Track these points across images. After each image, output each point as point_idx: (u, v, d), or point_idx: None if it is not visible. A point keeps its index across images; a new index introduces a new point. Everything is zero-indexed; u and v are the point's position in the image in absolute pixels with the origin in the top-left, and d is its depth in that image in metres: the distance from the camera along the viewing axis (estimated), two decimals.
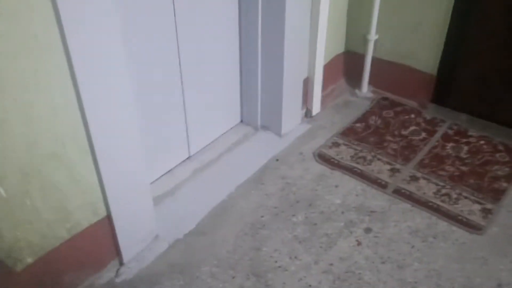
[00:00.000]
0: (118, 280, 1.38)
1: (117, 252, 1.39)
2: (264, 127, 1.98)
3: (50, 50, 0.99)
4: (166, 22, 1.48)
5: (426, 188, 1.67)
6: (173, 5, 1.46)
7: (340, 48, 2.21)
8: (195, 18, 1.57)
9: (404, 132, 1.97)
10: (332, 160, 1.82)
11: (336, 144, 1.91)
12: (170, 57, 1.55)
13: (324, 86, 2.10)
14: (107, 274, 1.38)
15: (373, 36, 2.09)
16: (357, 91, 2.25)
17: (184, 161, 1.79)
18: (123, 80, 1.17)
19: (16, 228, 1.08)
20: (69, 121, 1.09)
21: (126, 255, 1.41)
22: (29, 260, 1.15)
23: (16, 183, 1.04)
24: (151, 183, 1.66)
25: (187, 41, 1.56)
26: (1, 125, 0.97)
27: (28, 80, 0.98)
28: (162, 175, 1.71)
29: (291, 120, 1.99)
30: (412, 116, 2.07)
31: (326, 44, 1.97)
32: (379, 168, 1.77)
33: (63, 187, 1.14)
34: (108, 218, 1.31)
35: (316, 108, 2.09)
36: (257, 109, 1.94)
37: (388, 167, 1.78)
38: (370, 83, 2.24)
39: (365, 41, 2.13)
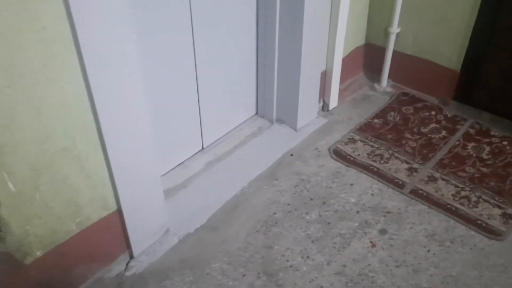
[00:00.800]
0: (127, 274, 1.37)
1: (127, 246, 1.38)
2: (280, 120, 1.94)
3: (60, 42, 0.96)
4: (180, 10, 1.44)
5: (445, 190, 1.62)
6: None
7: (360, 41, 2.15)
8: (210, 5, 1.52)
9: (423, 130, 1.91)
10: (348, 157, 1.78)
11: (352, 140, 1.86)
12: (185, 46, 1.51)
13: (342, 79, 2.04)
14: (117, 267, 1.37)
15: (395, 29, 2.02)
16: (376, 85, 2.19)
17: (197, 153, 1.76)
18: (135, 72, 1.13)
19: (26, 223, 1.06)
20: (79, 115, 1.07)
21: (136, 249, 1.40)
22: (38, 253, 1.13)
23: (26, 178, 1.02)
24: (163, 174, 1.64)
25: (202, 30, 1.52)
26: (11, 120, 0.94)
27: (37, 73, 0.95)
28: (175, 167, 1.69)
29: (307, 113, 1.94)
30: (433, 113, 2.00)
31: (346, 36, 1.91)
32: (397, 167, 1.72)
33: (73, 182, 1.13)
34: (119, 211, 1.29)
35: (333, 102, 2.04)
36: (273, 102, 1.90)
37: (406, 166, 1.72)
38: (390, 77, 2.17)
39: (387, 34, 2.06)
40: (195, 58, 1.55)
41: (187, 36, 1.49)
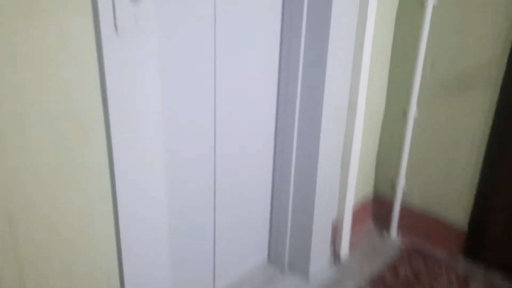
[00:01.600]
0: None
1: None
2: (291, 268, 1.96)
3: (101, 200, 1.06)
4: (205, 134, 1.55)
5: None
6: (214, 102, 1.55)
7: (368, 193, 2.26)
8: (231, 129, 1.66)
9: (435, 286, 1.90)
10: None
11: None
12: (205, 180, 1.60)
13: (353, 230, 2.10)
14: None
15: (401, 184, 2.14)
16: (385, 236, 2.24)
17: None
18: (162, 210, 1.22)
19: None
20: (104, 262, 1.12)
21: None
22: None
23: None
24: None
25: (223, 159, 1.64)
26: (44, 267, 1.00)
27: (75, 227, 1.03)
28: None
29: (319, 264, 1.96)
30: (443, 268, 2.01)
31: (355, 188, 2.02)
32: None
33: None
34: None
35: (344, 251, 2.07)
36: (285, 249, 1.94)
37: None
38: (399, 229, 2.23)
39: (394, 189, 2.18)
40: (214, 210, 1.64)
41: (209, 171, 1.60)
